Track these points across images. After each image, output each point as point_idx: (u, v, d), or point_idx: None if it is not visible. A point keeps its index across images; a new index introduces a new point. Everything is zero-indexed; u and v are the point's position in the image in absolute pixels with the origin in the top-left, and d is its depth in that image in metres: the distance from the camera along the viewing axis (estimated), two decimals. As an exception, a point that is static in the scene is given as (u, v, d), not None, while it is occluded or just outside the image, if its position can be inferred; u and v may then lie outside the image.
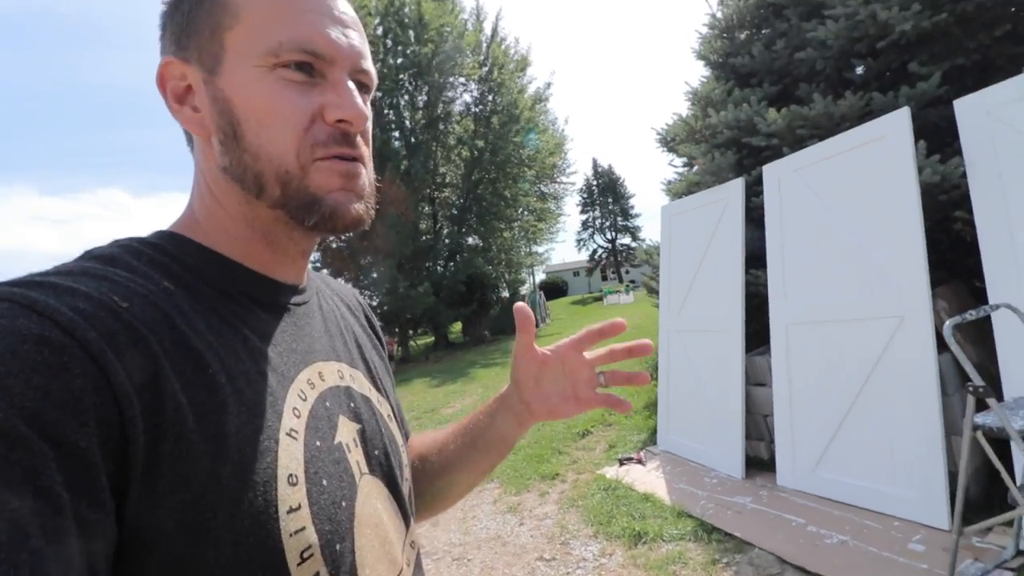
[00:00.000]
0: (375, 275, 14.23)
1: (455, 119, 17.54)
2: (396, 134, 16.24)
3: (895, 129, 2.81)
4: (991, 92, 2.60)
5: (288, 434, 0.42)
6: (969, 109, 2.67)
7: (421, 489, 0.69)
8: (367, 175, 0.49)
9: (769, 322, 3.45)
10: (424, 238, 16.84)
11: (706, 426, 3.80)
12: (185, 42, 0.45)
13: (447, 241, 17.32)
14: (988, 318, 2.85)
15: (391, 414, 0.60)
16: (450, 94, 17.13)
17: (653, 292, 5.13)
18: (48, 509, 0.28)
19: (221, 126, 0.44)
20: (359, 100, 0.46)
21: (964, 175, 2.65)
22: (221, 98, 0.44)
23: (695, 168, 4.03)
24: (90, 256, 0.41)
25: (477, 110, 17.76)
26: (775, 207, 3.49)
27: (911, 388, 2.61)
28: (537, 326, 0.74)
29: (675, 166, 6.06)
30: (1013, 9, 2.69)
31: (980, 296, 3.01)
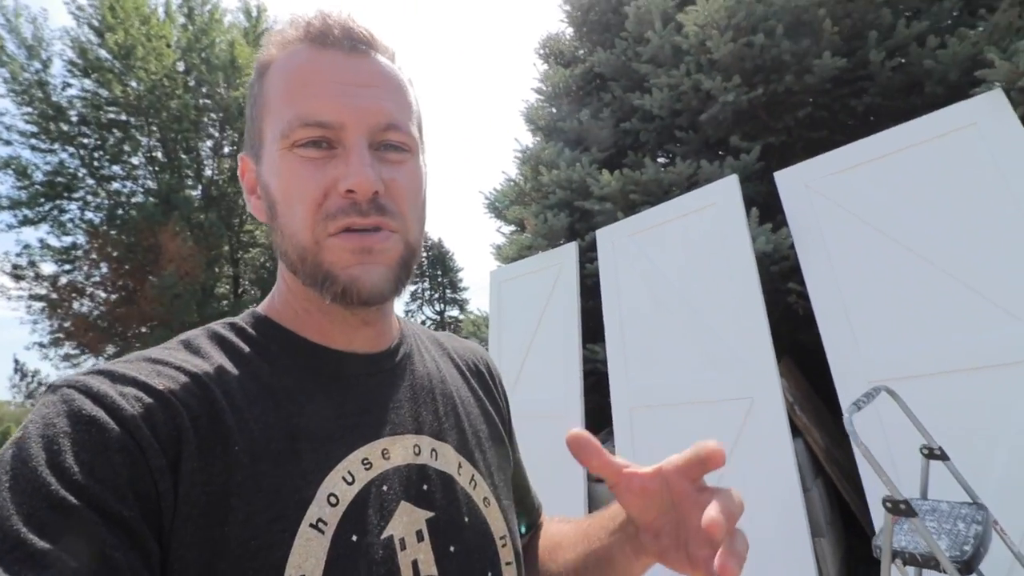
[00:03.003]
0: (139, 348, 11.27)
1: (268, 174, 15.81)
2: (190, 181, 13.86)
3: (726, 196, 2.69)
4: (808, 166, 2.61)
5: (313, 525, 0.38)
6: (789, 181, 2.66)
7: None
8: (401, 237, 0.47)
9: (610, 403, 3.01)
10: (220, 304, 14.21)
11: (544, 537, 3.09)
12: (247, 138, 0.50)
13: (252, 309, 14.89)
14: (826, 398, 2.74)
15: (491, 496, 0.51)
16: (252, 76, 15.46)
17: (481, 369, 4.48)
18: (102, 568, 0.30)
19: (265, 209, 0.48)
20: (367, 165, 0.44)
21: (792, 246, 2.57)
22: (263, 183, 0.47)
23: (527, 230, 3.60)
24: (177, 339, 0.45)
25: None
26: (611, 275, 3.16)
27: (769, 479, 2.26)
28: None
29: (503, 232, 5.74)
30: (810, 98, 2.84)
31: (812, 374, 2.96)
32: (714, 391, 2.53)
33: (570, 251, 3.40)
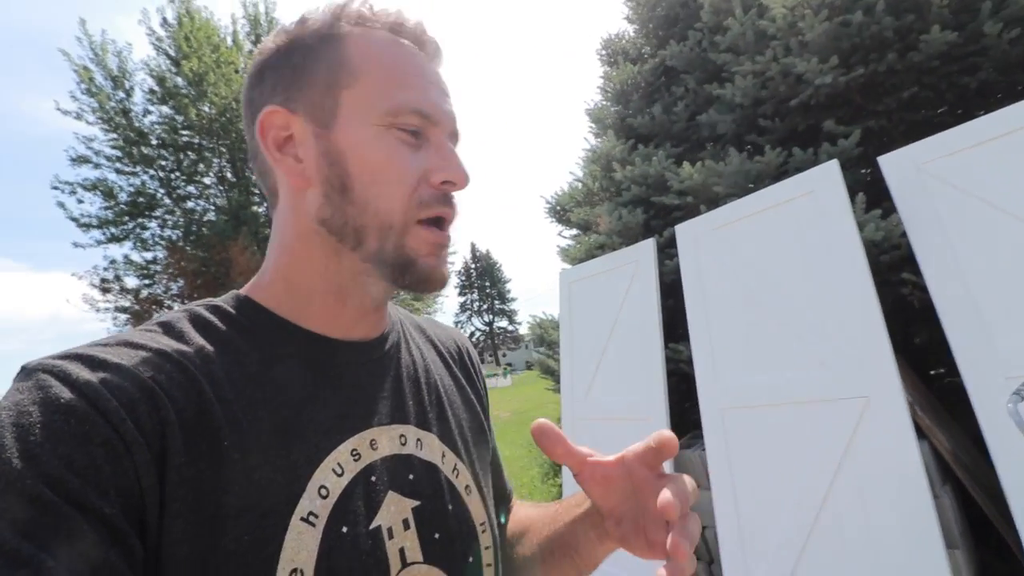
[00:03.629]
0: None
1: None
2: (256, 198, 14.60)
3: (825, 183, 2.53)
4: (917, 148, 2.42)
5: (304, 519, 0.38)
6: (897, 165, 2.47)
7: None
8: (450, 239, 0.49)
9: (698, 405, 2.87)
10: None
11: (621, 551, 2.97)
12: (294, 95, 0.45)
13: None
14: (942, 400, 2.52)
15: (472, 484, 0.52)
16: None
17: (549, 373, 4.41)
18: (82, 567, 0.29)
19: (329, 178, 0.45)
20: (463, 162, 0.48)
21: (903, 234, 2.39)
22: (333, 151, 0.44)
23: (600, 229, 3.53)
24: (154, 322, 0.43)
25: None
26: (693, 271, 3.04)
27: (893, 484, 2.08)
28: None
29: (565, 236, 5.69)
30: (916, 77, 2.64)
31: (926, 374, 2.73)
32: (822, 390, 2.36)
33: (647, 248, 3.30)
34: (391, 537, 0.43)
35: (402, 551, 0.43)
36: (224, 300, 0.47)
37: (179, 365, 0.38)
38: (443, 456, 0.51)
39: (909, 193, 2.41)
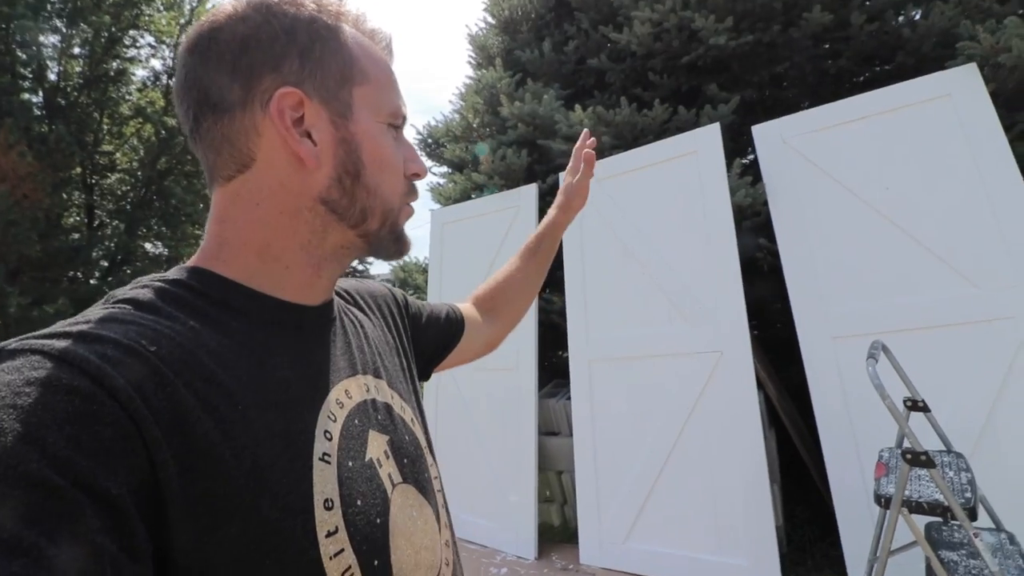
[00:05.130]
0: (-38, 284, 9.17)
1: (134, 85, 13.31)
2: (28, 83, 11.25)
3: (708, 145, 2.58)
4: (787, 122, 2.58)
5: (321, 459, 0.43)
6: (767, 135, 2.61)
7: (497, 316, 0.92)
8: None
9: (568, 357, 2.87)
10: (69, 237, 11.95)
11: (487, 494, 2.94)
12: (306, 78, 0.47)
13: (110, 245, 12.71)
14: (772, 351, 2.82)
15: (414, 417, 0.61)
16: (129, 51, 12.95)
17: (411, 318, 4.13)
18: (84, 555, 0.29)
19: (345, 163, 0.48)
20: None
21: (765, 202, 2.55)
22: (350, 140, 0.48)
23: (482, 165, 3.26)
24: (115, 300, 0.42)
25: (171, 82, 13.92)
26: (574, 221, 2.96)
27: (734, 430, 2.28)
28: None
29: (435, 174, 5.30)
30: (789, 54, 2.79)
31: (762, 327, 3.04)
32: (682, 344, 2.48)
33: (530, 193, 3.14)
34: (380, 466, 0.50)
35: (390, 475, 0.51)
36: (181, 274, 0.46)
37: (172, 340, 0.39)
38: (392, 397, 0.58)
39: (774, 164, 2.57)
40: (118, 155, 13.46)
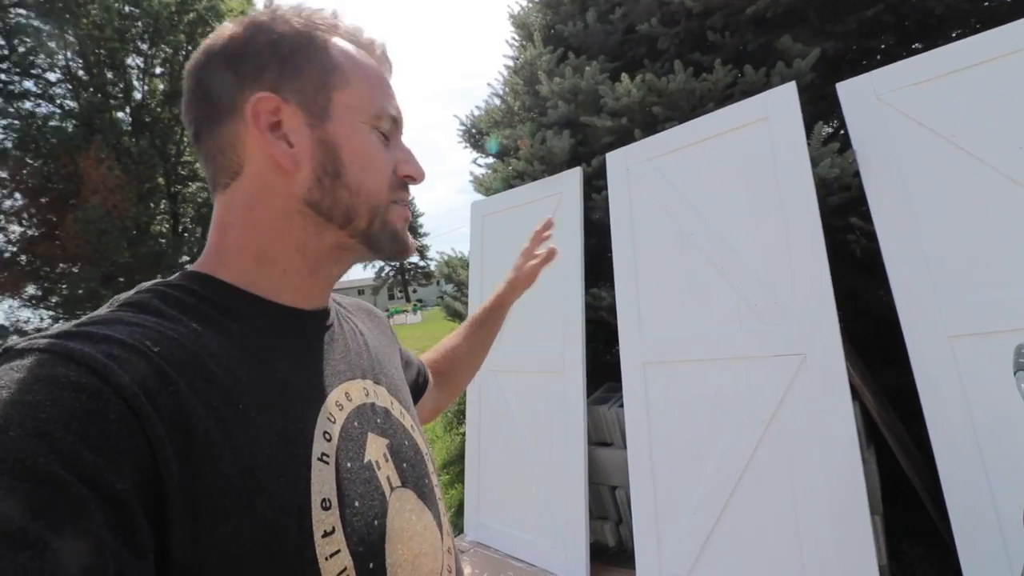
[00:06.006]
0: (66, 290, 10.12)
1: (209, 99, 14.14)
2: (116, 102, 12.21)
3: (781, 108, 2.17)
4: (881, 74, 2.12)
5: (320, 459, 0.44)
6: (856, 94, 2.16)
7: (444, 384, 0.90)
8: None
9: (619, 359, 2.56)
10: (157, 243, 12.95)
11: (534, 507, 2.70)
12: (285, 85, 0.49)
13: (192, 248, 13.66)
14: (867, 354, 2.38)
15: (413, 424, 0.62)
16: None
17: (456, 316, 3.96)
18: (88, 549, 0.29)
19: (324, 164, 0.50)
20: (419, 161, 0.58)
21: (856, 173, 2.12)
22: (328, 141, 0.50)
23: (521, 151, 3.00)
24: (120, 304, 0.43)
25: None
26: (624, 206, 2.64)
27: (822, 450, 1.89)
28: None
29: (480, 164, 5.10)
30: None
31: (857, 327, 2.58)
32: (755, 346, 2.10)
33: (573, 178, 2.84)
34: (379, 468, 0.50)
35: (388, 478, 0.51)
36: (184, 280, 0.47)
37: (175, 341, 0.40)
38: (391, 403, 0.59)
39: (867, 127, 2.12)
40: (197, 165, 14.40)
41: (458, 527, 3.13)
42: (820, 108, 2.64)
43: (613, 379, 3.08)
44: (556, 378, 2.73)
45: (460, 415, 4.05)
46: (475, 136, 4.93)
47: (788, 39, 2.36)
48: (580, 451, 2.54)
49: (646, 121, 2.62)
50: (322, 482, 0.43)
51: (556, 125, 2.96)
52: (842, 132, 2.17)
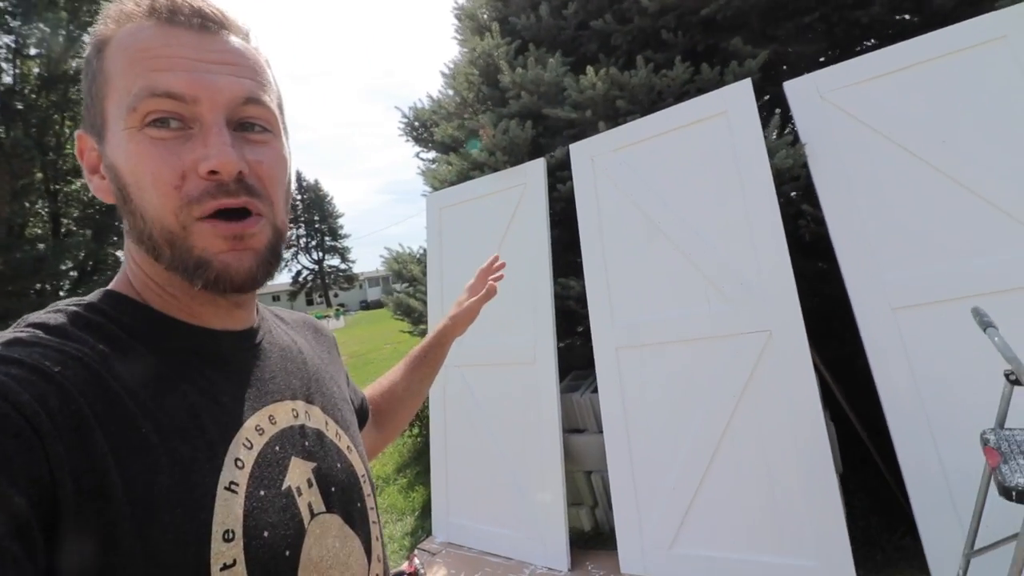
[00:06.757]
0: (-83, 302, 8.63)
1: (96, 85, 12.60)
2: None
3: (739, 103, 2.32)
4: (822, 76, 2.33)
5: (227, 488, 0.41)
6: (801, 92, 2.36)
7: (382, 423, 0.84)
8: (268, 222, 0.47)
9: (582, 349, 2.61)
10: (35, 247, 11.36)
11: (509, 500, 2.68)
12: (86, 116, 0.46)
13: (78, 254, 12.12)
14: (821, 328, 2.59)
15: (351, 445, 0.59)
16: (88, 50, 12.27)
17: (410, 314, 3.83)
18: None
19: (115, 191, 0.44)
20: (229, 145, 0.43)
21: (804, 164, 2.31)
22: (109, 165, 0.44)
23: (483, 140, 2.96)
24: (27, 323, 0.41)
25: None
26: (590, 196, 2.70)
27: (790, 417, 2.04)
28: None
29: (423, 159, 4.98)
30: (815, 3, 2.55)
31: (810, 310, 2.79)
32: (724, 325, 2.23)
33: (537, 168, 2.86)
34: (300, 494, 0.47)
35: (310, 505, 0.48)
36: (97, 299, 0.45)
37: (80, 362, 0.38)
38: (326, 424, 0.56)
39: (813, 122, 2.32)
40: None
41: (425, 529, 3.03)
42: (761, 106, 2.86)
43: (578, 368, 3.13)
44: (527, 368, 2.73)
45: (420, 420, 3.92)
46: (418, 129, 4.81)
47: (739, 40, 2.53)
48: (556, 439, 2.55)
49: (607, 114, 2.69)
50: (226, 512, 0.40)
51: (517, 116, 2.96)
52: (789, 128, 2.36)
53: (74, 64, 11.92)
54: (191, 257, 0.43)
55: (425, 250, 3.90)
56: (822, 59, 3.00)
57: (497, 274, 0.98)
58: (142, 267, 0.47)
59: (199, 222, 0.43)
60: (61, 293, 11.57)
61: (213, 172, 0.42)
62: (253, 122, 0.46)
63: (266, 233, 0.46)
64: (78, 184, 12.91)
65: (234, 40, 0.46)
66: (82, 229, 12.97)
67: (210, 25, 0.45)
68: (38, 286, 11.04)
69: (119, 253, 13.67)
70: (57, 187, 12.14)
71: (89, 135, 0.46)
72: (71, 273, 12.30)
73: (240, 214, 0.44)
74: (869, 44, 2.86)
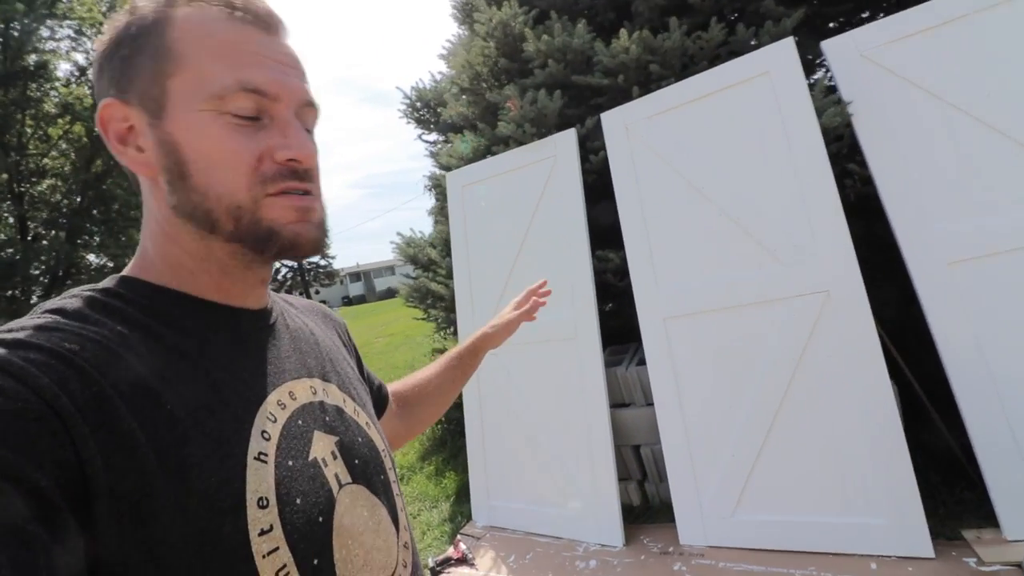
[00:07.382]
0: None
1: (58, 81, 12.04)
2: (-71, 82, 9.98)
3: (781, 63, 2.27)
4: (860, 34, 2.30)
5: (257, 458, 0.43)
6: (841, 51, 2.33)
7: (406, 414, 0.85)
8: (320, 204, 0.51)
9: (618, 321, 2.56)
10: (1, 252, 10.83)
11: (553, 479, 2.62)
12: (125, 85, 0.45)
13: (49, 258, 11.60)
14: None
15: (369, 421, 0.61)
16: (49, 44, 11.68)
17: (428, 297, 3.72)
18: (15, 542, 0.29)
19: (168, 167, 0.45)
20: (307, 138, 0.48)
21: (848, 124, 2.28)
22: (167, 140, 0.44)
23: (512, 112, 2.86)
24: (43, 310, 0.42)
25: (99, 75, 12.62)
26: (626, 165, 2.63)
27: (853, 378, 2.02)
28: None
29: (426, 140, 4.84)
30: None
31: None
32: (778, 288, 2.20)
33: (568, 140, 2.77)
34: (326, 466, 0.49)
35: (336, 475, 0.50)
36: (111, 283, 0.47)
37: (99, 343, 0.39)
38: (344, 401, 0.58)
39: (855, 82, 2.29)
40: (47, 159, 12.22)
41: (464, 514, 2.97)
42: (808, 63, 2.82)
43: (615, 342, 3.08)
44: (568, 344, 2.66)
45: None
46: (420, 110, 4.67)
47: (771, 1, 2.47)
48: (603, 414, 2.50)
49: (640, 80, 2.62)
50: (259, 481, 0.42)
51: (544, 86, 2.86)
52: (833, 86, 2.32)
53: (33, 59, 11.30)
54: (260, 228, 0.46)
55: (437, 233, 3.79)
56: (841, 21, 2.97)
57: (543, 299, 1.04)
58: (179, 242, 0.47)
59: (269, 197, 0.45)
60: (33, 299, 11.08)
61: (291, 160, 0.46)
62: (306, 121, 0.50)
63: (322, 211, 0.50)
64: (45, 186, 12.31)
65: (291, 43, 0.50)
66: (51, 231, 12.40)
67: (277, 27, 0.49)
68: (9, 292, 10.52)
69: (91, 256, 13.11)
70: (22, 189, 11.56)
71: (131, 106, 0.45)
72: (42, 279, 11.77)
73: (302, 194, 0.48)
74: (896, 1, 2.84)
